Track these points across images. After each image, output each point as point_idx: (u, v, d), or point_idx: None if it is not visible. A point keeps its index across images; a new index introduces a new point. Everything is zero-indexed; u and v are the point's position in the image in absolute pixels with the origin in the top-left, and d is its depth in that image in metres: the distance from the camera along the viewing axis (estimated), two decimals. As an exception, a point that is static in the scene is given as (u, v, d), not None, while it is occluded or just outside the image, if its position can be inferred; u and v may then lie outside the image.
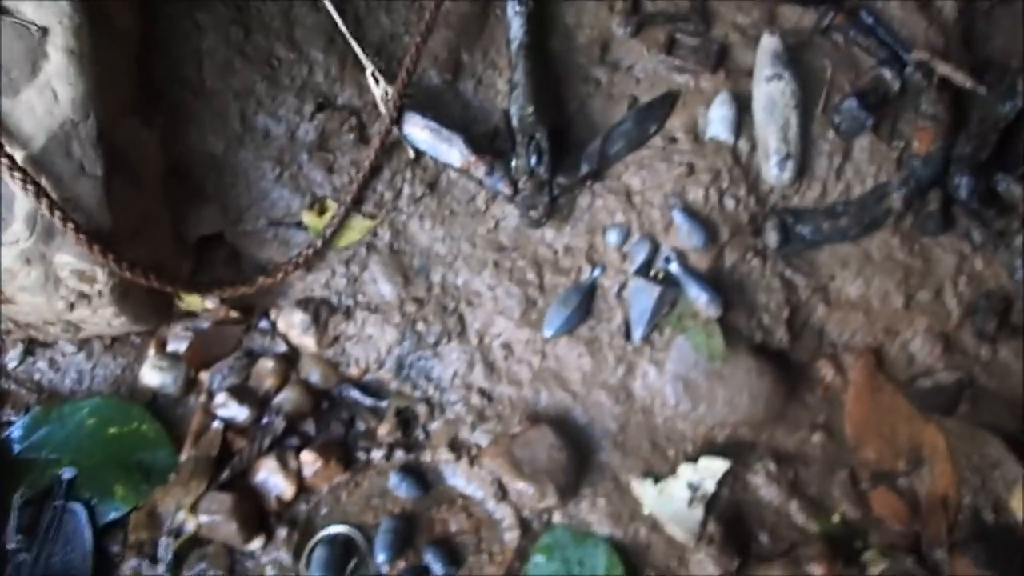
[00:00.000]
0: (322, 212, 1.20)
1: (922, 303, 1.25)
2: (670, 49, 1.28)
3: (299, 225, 1.21)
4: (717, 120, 1.20)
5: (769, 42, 1.22)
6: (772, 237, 1.21)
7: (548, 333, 1.17)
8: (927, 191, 1.22)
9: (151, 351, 1.22)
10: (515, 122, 1.19)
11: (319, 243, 1.18)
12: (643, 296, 1.15)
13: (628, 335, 1.18)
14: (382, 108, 1.20)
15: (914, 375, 1.27)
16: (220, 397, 1.17)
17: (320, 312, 1.21)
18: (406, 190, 1.23)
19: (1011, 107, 1.21)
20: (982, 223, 1.23)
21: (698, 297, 1.14)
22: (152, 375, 1.20)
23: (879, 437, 1.22)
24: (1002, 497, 1.19)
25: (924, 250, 1.26)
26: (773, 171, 1.19)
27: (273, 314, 1.23)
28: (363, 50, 1.22)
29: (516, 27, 1.25)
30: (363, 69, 1.21)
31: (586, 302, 1.18)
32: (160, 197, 1.17)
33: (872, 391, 1.24)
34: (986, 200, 1.21)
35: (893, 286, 1.24)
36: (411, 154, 1.22)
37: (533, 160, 1.14)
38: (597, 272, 1.20)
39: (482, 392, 1.20)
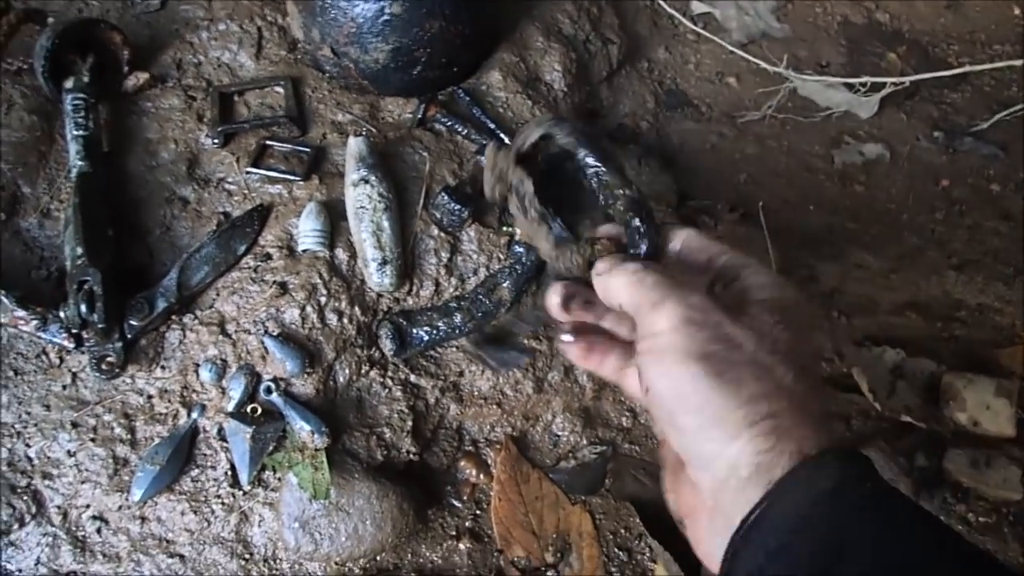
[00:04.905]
0: None
1: (554, 384, 1.25)
2: (259, 157, 1.20)
3: None
4: (307, 232, 1.13)
5: (354, 144, 1.16)
6: (387, 345, 1.15)
7: (136, 497, 1.03)
8: (537, 276, 1.22)
9: None
10: (67, 265, 1.05)
11: None
12: (238, 438, 1.05)
13: (236, 480, 1.07)
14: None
15: (560, 457, 1.27)
16: None
17: None
18: (-53, 359, 1.05)
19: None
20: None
21: (301, 429, 1.06)
22: None
23: (526, 531, 1.18)
24: (649, 569, 1.20)
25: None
26: (374, 277, 1.13)
27: None
28: None
29: (73, 153, 1.12)
30: None
31: (183, 451, 1.06)
32: None
33: (517, 483, 1.21)
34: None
35: (521, 372, 1.22)
36: (-51, 316, 1.04)
37: (83, 308, 1.01)
38: (195, 414, 1.08)
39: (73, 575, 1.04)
